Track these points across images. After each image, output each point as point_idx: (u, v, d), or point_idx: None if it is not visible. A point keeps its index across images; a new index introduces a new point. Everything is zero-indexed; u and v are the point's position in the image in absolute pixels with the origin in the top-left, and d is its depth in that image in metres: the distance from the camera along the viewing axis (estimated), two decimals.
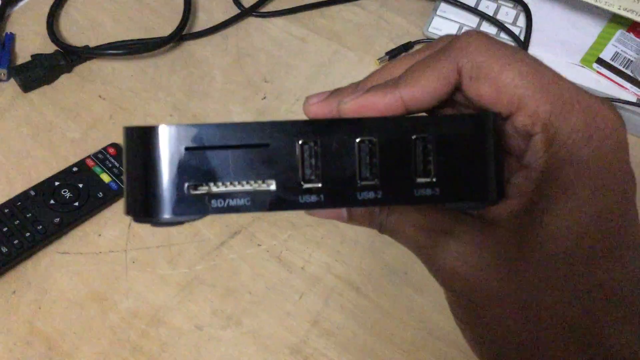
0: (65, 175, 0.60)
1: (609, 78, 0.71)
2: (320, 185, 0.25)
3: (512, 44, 0.74)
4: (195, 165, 0.24)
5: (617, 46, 0.73)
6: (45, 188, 0.59)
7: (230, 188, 0.24)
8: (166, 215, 0.24)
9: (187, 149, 0.24)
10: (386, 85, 0.28)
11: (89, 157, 0.62)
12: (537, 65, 0.26)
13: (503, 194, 0.26)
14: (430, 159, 0.25)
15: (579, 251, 0.24)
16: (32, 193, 0.58)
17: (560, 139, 0.25)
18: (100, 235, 0.59)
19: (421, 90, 0.27)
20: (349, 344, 0.54)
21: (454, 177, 0.25)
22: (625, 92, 0.70)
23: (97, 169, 0.61)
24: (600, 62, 0.72)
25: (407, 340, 0.54)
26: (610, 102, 0.26)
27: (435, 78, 0.27)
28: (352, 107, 0.27)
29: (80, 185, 0.60)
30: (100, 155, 0.62)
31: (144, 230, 0.59)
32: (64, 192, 0.59)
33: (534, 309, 0.25)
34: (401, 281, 0.57)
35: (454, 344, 0.54)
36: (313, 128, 0.25)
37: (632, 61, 0.71)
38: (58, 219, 0.57)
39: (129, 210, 0.25)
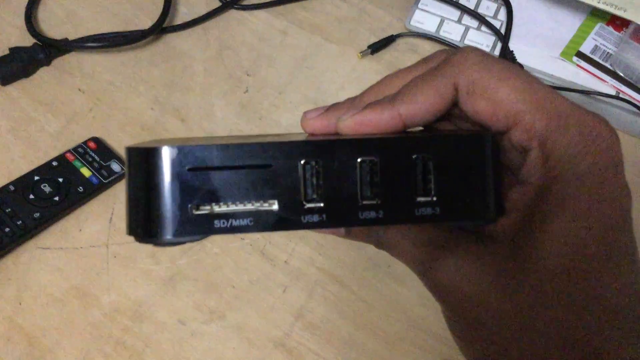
0: (44, 170, 0.59)
1: (588, 71, 0.72)
2: (322, 205, 0.25)
3: (493, 37, 0.74)
4: (198, 186, 0.24)
5: (597, 39, 0.73)
6: (24, 183, 0.58)
7: (233, 208, 0.24)
8: (169, 236, 0.24)
9: (190, 169, 0.24)
10: (383, 101, 0.28)
11: (68, 151, 0.61)
12: (532, 81, 0.26)
13: (501, 212, 0.26)
14: (430, 178, 0.25)
15: (576, 266, 0.24)
16: (12, 188, 0.58)
17: (557, 154, 0.25)
18: (80, 230, 0.58)
19: (419, 106, 0.27)
20: (333, 337, 0.54)
21: (454, 196, 0.26)
22: (604, 85, 0.71)
23: (77, 163, 0.60)
24: (580, 55, 0.73)
25: (390, 332, 0.55)
26: (603, 117, 0.26)
27: (432, 94, 0.27)
28: (351, 124, 0.28)
29: (60, 180, 0.59)
30: (80, 150, 0.61)
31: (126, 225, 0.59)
32: (44, 186, 0.58)
33: (533, 324, 0.25)
34: (384, 274, 0.57)
35: (437, 336, 0.54)
36: (315, 148, 0.25)
37: (611, 54, 0.72)
38: (38, 214, 0.57)
39: (132, 231, 0.25)
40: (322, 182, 0.25)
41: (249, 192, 0.24)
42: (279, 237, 0.59)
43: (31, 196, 0.57)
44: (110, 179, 0.60)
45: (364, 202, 0.25)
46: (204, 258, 0.58)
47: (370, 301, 0.56)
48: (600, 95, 0.69)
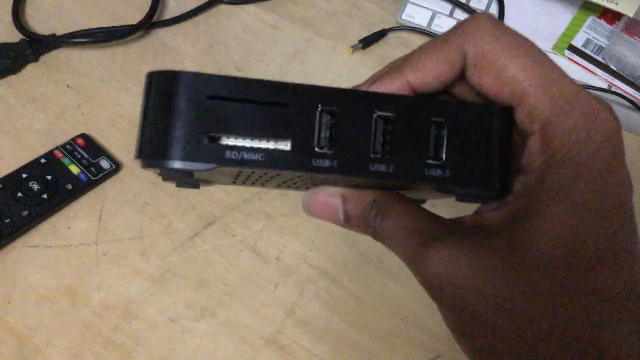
0: (33, 167, 0.59)
1: (580, 65, 0.72)
2: (334, 151, 0.25)
3: None
4: (215, 115, 0.24)
5: (589, 33, 0.73)
6: (12, 180, 0.58)
7: (247, 142, 0.24)
8: (179, 158, 0.24)
9: (209, 97, 0.24)
10: (392, 71, 0.28)
11: (57, 148, 0.60)
12: (543, 59, 0.26)
13: (508, 188, 0.26)
14: (443, 142, 0.26)
15: (574, 258, 0.24)
16: None
17: (558, 140, 0.24)
18: (69, 228, 0.58)
19: (427, 74, 0.27)
20: (325, 334, 0.54)
21: (464, 161, 0.26)
22: (596, 78, 0.71)
23: (66, 160, 0.60)
24: (572, 49, 0.72)
25: (383, 329, 0.54)
26: (608, 104, 0.26)
27: (441, 62, 0.27)
28: None
29: (49, 177, 0.58)
30: (68, 147, 0.61)
31: (115, 222, 0.58)
32: (32, 184, 0.57)
33: (531, 317, 0.24)
34: (376, 270, 0.57)
35: (429, 331, 0.54)
36: (334, 96, 0.25)
37: (603, 48, 0.72)
38: (26, 212, 0.56)
39: (141, 153, 0.25)
40: (337, 130, 0.25)
41: (264, 129, 0.24)
42: (270, 234, 0.59)
43: (19, 194, 0.57)
44: (99, 176, 0.59)
45: (376, 155, 0.25)
46: (194, 255, 0.57)
47: (362, 297, 0.56)
48: (593, 89, 0.69)
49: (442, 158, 0.26)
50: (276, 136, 0.24)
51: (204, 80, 0.24)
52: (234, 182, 0.32)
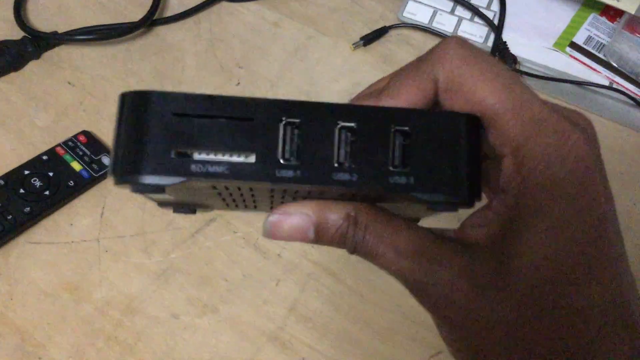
0: (35, 164, 0.59)
1: (581, 62, 0.72)
2: (298, 162, 0.25)
3: (486, 28, 0.74)
4: (181, 131, 0.25)
5: (590, 30, 0.73)
6: (14, 177, 0.58)
7: (212, 156, 0.25)
8: (147, 174, 0.25)
9: (174, 114, 0.25)
10: (370, 97, 0.28)
11: (59, 145, 0.61)
12: (513, 82, 0.25)
13: (478, 196, 0.26)
14: (407, 150, 0.26)
15: (556, 277, 0.24)
16: (1, 182, 0.57)
17: (531, 163, 0.24)
18: (72, 224, 0.58)
19: (402, 101, 0.27)
20: (327, 330, 0.54)
21: (429, 168, 0.26)
22: (598, 75, 0.71)
23: (68, 157, 0.60)
24: (574, 45, 0.72)
25: (384, 325, 0.55)
26: (585, 119, 0.26)
27: (414, 89, 0.27)
28: None
29: (51, 174, 0.58)
30: (70, 143, 0.61)
31: (117, 218, 0.58)
32: (34, 181, 0.58)
33: (519, 336, 0.25)
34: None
35: (431, 328, 0.54)
36: (297, 108, 0.26)
37: (604, 45, 0.72)
38: (28, 209, 0.56)
39: (113, 171, 0.26)
40: (301, 141, 0.25)
41: (229, 142, 0.25)
42: None
43: (21, 191, 0.57)
44: (101, 173, 0.59)
45: (339, 164, 0.26)
46: (196, 252, 0.57)
47: (364, 293, 0.56)
48: (594, 86, 0.69)
49: (406, 165, 0.26)
50: (242, 149, 0.25)
51: (170, 99, 0.25)
52: (227, 205, 0.32)
